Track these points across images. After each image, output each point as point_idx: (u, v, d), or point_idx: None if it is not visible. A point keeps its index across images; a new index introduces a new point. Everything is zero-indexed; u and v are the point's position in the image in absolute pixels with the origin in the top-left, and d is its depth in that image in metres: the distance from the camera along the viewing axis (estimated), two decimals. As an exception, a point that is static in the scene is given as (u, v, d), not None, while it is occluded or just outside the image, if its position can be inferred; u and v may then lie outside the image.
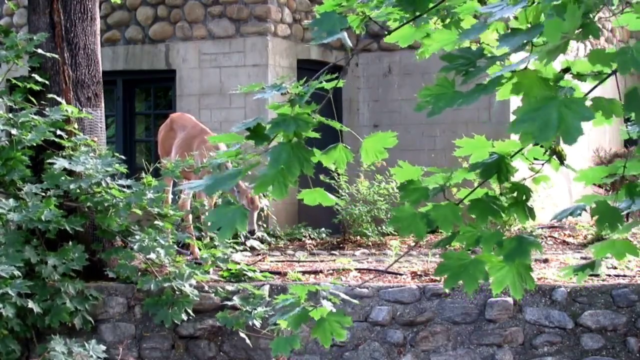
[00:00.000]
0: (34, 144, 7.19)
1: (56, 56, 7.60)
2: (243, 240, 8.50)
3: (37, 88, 7.51)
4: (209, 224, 7.42)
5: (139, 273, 7.30)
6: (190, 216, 8.21)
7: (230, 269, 7.53)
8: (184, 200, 8.25)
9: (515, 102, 2.40)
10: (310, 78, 2.66)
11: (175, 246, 7.66)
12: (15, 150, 7.16)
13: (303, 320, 2.79)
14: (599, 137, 13.47)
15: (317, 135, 2.66)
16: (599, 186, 10.52)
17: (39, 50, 7.54)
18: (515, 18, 2.71)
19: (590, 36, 2.29)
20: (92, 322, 7.13)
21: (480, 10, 2.72)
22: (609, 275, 7.32)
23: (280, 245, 9.80)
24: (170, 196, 8.56)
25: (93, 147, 7.52)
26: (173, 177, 7.71)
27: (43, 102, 7.53)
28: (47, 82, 7.63)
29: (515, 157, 2.68)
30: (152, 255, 7.13)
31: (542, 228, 10.33)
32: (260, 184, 2.54)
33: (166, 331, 7.22)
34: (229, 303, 7.04)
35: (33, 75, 7.57)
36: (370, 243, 9.78)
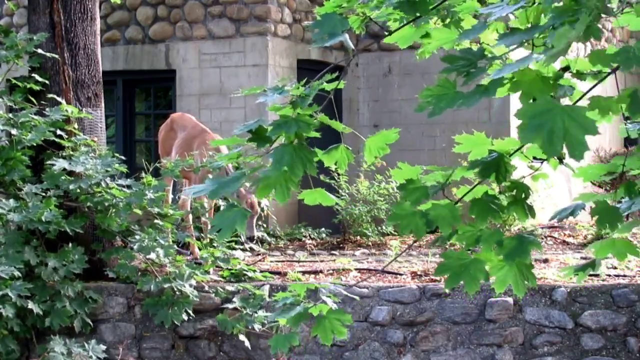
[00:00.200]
0: (34, 144, 7.19)
1: (56, 56, 7.60)
2: (243, 240, 8.50)
3: (37, 88, 7.51)
4: (210, 227, 7.34)
5: (139, 273, 7.30)
6: (190, 216, 8.21)
7: (230, 269, 7.53)
8: (184, 200, 8.25)
9: (516, 102, 2.41)
10: (310, 78, 2.67)
11: (175, 246, 7.66)
12: (15, 150, 7.16)
13: (303, 317, 2.79)
14: (598, 136, 13.42)
15: (317, 134, 2.66)
16: (599, 186, 10.52)
17: (39, 50, 7.54)
18: (516, 18, 2.71)
19: (591, 37, 2.29)
20: (91, 324, 7.13)
21: (480, 10, 2.72)
22: (609, 275, 7.32)
23: (280, 245, 9.79)
24: (171, 196, 8.56)
25: (93, 147, 7.52)
26: (173, 177, 7.71)
27: (43, 102, 7.53)
28: (47, 82, 7.63)
29: (514, 155, 2.68)
30: (152, 255, 7.13)
31: (542, 228, 10.34)
32: (263, 187, 2.55)
33: (166, 331, 7.22)
34: (230, 306, 7.02)
35: (33, 75, 7.57)
36: (370, 243, 9.78)
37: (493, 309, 6.97)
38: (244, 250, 8.44)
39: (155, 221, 7.40)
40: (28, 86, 7.48)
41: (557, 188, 10.70)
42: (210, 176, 7.65)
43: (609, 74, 2.48)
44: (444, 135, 11.32)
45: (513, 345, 6.94)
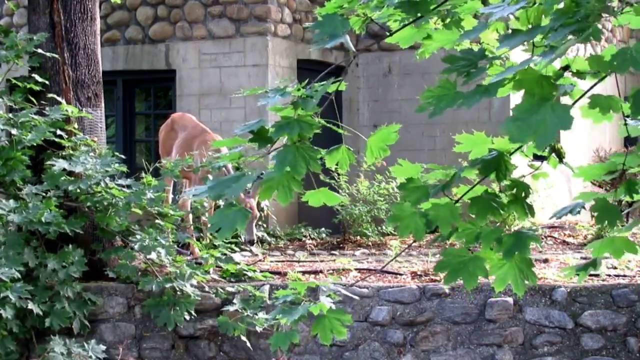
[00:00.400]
0: (34, 144, 7.19)
1: (56, 56, 7.60)
2: (243, 240, 8.50)
3: (37, 88, 7.51)
4: (209, 225, 7.34)
5: (139, 273, 7.30)
6: (191, 216, 8.21)
7: (230, 269, 7.53)
8: (184, 200, 8.25)
9: (516, 101, 2.41)
10: (310, 78, 2.67)
11: (175, 246, 7.66)
12: (15, 150, 7.16)
13: (303, 317, 2.79)
14: (599, 137, 13.47)
15: (317, 130, 2.66)
16: (599, 186, 10.52)
17: (39, 50, 7.54)
18: (517, 19, 2.71)
19: (591, 38, 2.29)
20: (89, 326, 7.12)
21: (481, 10, 2.72)
22: (609, 275, 7.32)
23: (280, 245, 9.79)
24: (171, 196, 8.57)
25: (93, 147, 7.52)
26: (173, 177, 7.71)
27: (43, 102, 7.53)
28: (47, 82, 7.62)
29: (514, 153, 2.68)
30: (153, 255, 7.13)
31: (542, 228, 10.34)
32: (266, 189, 2.55)
33: (166, 331, 7.22)
34: (231, 308, 7.02)
35: (33, 75, 7.57)
36: (370, 243, 9.78)
37: (493, 309, 6.97)
38: (242, 252, 8.43)
39: (156, 221, 7.40)
40: (28, 86, 7.48)
41: (557, 188, 10.70)
42: (211, 176, 7.66)
43: (609, 73, 2.49)
44: (444, 135, 11.32)
45: (513, 345, 6.94)
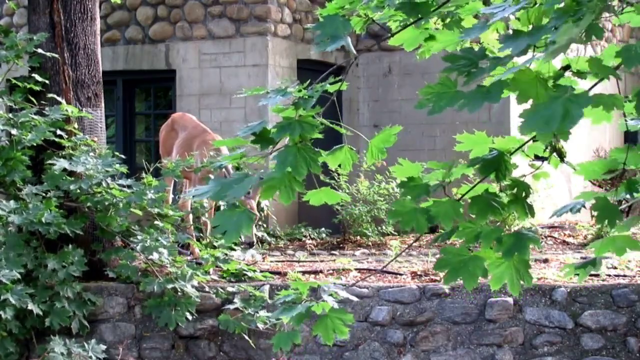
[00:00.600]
0: (34, 144, 7.19)
1: (56, 56, 7.60)
2: (243, 240, 8.50)
3: (37, 88, 7.51)
4: (211, 227, 7.32)
5: (139, 273, 7.29)
6: (191, 216, 8.21)
7: (231, 269, 7.53)
8: (184, 201, 8.25)
9: (516, 101, 2.40)
10: (310, 78, 2.67)
11: (176, 246, 7.66)
12: (15, 150, 7.16)
13: (305, 316, 2.79)
14: (599, 136, 13.47)
15: (320, 136, 2.66)
16: (599, 186, 10.53)
17: (39, 50, 7.54)
18: (517, 19, 2.71)
19: (593, 36, 2.29)
20: (88, 327, 7.12)
21: (482, 10, 2.72)
22: (609, 275, 7.32)
23: (280, 245, 9.79)
24: (171, 196, 8.57)
25: (93, 147, 7.52)
26: (173, 177, 7.72)
27: (43, 102, 7.53)
28: (47, 82, 7.62)
29: (514, 153, 2.68)
30: (154, 256, 7.13)
31: (542, 228, 10.34)
32: (267, 189, 2.55)
33: (166, 331, 7.22)
34: (231, 307, 7.03)
35: (33, 75, 7.57)
36: (370, 243, 9.78)
37: (493, 309, 6.98)
38: (243, 249, 8.43)
39: (156, 222, 7.40)
40: (28, 86, 7.48)
41: (557, 188, 10.70)
42: (212, 177, 7.66)
43: (609, 73, 2.49)
44: (444, 135, 11.32)
45: (513, 345, 6.94)
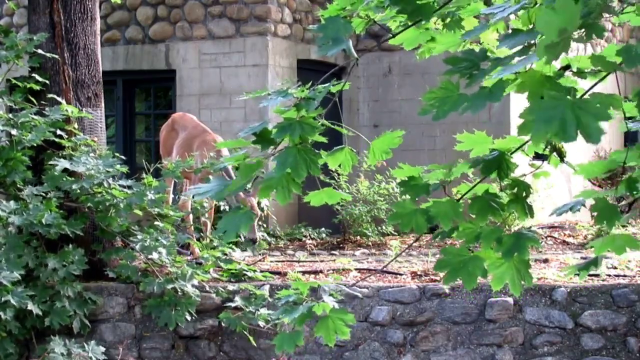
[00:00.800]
0: (34, 144, 7.19)
1: (56, 56, 7.60)
2: (243, 240, 8.50)
3: (37, 88, 7.51)
4: (211, 228, 7.31)
5: (139, 273, 7.30)
6: (191, 216, 8.21)
7: (231, 269, 7.53)
8: (184, 201, 8.25)
9: (516, 101, 2.41)
10: (310, 78, 2.68)
11: (176, 246, 7.66)
12: (16, 150, 7.16)
13: (307, 317, 2.80)
14: (598, 137, 13.44)
15: (324, 139, 2.67)
16: (599, 186, 10.52)
17: (39, 50, 7.54)
18: (518, 18, 2.71)
19: (594, 36, 2.29)
20: (89, 326, 7.12)
21: (482, 11, 2.73)
22: (609, 275, 7.32)
23: (280, 245, 9.80)
24: (171, 196, 8.57)
25: (93, 147, 7.52)
26: (173, 178, 7.72)
27: (43, 102, 7.53)
28: (47, 82, 7.62)
29: (515, 152, 2.69)
30: (154, 256, 7.13)
31: (542, 228, 10.34)
32: (264, 188, 2.56)
33: (166, 331, 7.22)
34: (232, 305, 7.03)
35: (33, 75, 7.57)
36: (370, 243, 9.78)
37: (493, 309, 6.98)
38: (243, 250, 8.43)
39: (156, 222, 7.40)
40: (28, 86, 7.48)
41: (557, 188, 10.70)
42: (212, 177, 7.66)
43: (609, 72, 2.49)
44: (444, 135, 11.33)
45: (513, 345, 6.94)
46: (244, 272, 7.51)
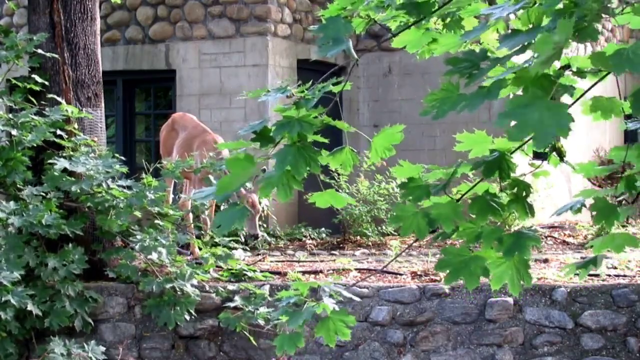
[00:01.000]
0: (34, 145, 7.19)
1: (56, 56, 7.60)
2: (243, 240, 8.50)
3: (37, 88, 7.51)
4: (211, 225, 7.31)
5: (139, 273, 7.30)
6: (191, 216, 8.21)
7: (231, 269, 7.53)
8: (184, 200, 8.25)
9: (515, 101, 2.41)
10: (310, 78, 2.67)
11: (176, 246, 7.66)
12: (16, 151, 7.16)
13: (308, 319, 2.80)
14: (599, 136, 13.47)
15: (325, 140, 2.67)
16: (599, 185, 10.53)
17: (39, 50, 7.54)
18: (518, 19, 2.71)
19: (588, 39, 2.30)
20: (92, 324, 7.13)
21: (482, 11, 2.73)
22: (609, 275, 7.32)
23: (280, 245, 9.79)
24: (171, 196, 8.57)
25: (93, 147, 7.52)
26: (173, 178, 7.72)
27: (43, 102, 7.53)
28: (47, 82, 7.62)
29: (515, 152, 2.69)
30: (153, 256, 7.13)
31: (542, 228, 10.34)
32: (265, 186, 2.56)
33: (166, 331, 7.23)
34: (231, 304, 7.03)
35: (33, 75, 7.57)
36: (370, 243, 9.78)
37: (493, 309, 6.98)
38: (244, 249, 8.43)
39: (156, 221, 7.40)
40: (28, 86, 7.48)
41: (557, 188, 10.70)
42: (212, 177, 7.67)
43: (609, 72, 2.49)
44: (444, 135, 11.32)
45: (513, 345, 6.94)
46: (244, 272, 7.52)
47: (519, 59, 2.46)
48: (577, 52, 12.34)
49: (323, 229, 10.12)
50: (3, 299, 6.47)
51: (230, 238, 7.89)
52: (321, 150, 2.64)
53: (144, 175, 7.44)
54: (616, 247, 2.84)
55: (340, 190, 9.76)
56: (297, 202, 10.57)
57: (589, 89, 2.51)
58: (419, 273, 7.64)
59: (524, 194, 2.71)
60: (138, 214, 7.27)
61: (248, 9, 10.84)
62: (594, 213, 2.75)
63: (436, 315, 7.06)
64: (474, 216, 2.68)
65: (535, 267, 7.77)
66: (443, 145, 11.37)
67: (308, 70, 11.13)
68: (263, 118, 2.74)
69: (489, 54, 2.52)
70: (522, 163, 2.99)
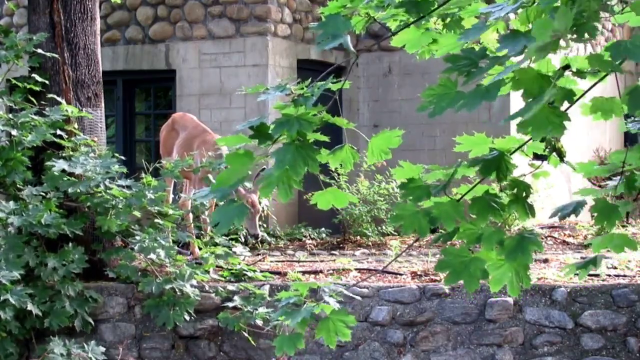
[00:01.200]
0: (34, 145, 7.18)
1: (56, 56, 7.60)
2: (242, 240, 8.50)
3: (37, 88, 7.51)
4: (209, 220, 7.30)
5: (139, 273, 7.30)
6: (191, 215, 8.21)
7: (231, 269, 7.53)
8: (184, 200, 8.25)
9: (516, 101, 2.41)
10: (310, 78, 2.67)
11: (175, 246, 7.65)
12: (15, 151, 7.16)
13: (309, 320, 2.79)
14: (599, 136, 13.47)
15: (326, 138, 2.66)
16: (599, 186, 10.51)
17: (39, 50, 7.54)
18: (517, 17, 2.71)
19: (586, 35, 2.29)
20: (92, 323, 7.13)
21: (481, 10, 2.73)
22: (609, 275, 7.32)
23: (280, 245, 9.79)
24: (171, 196, 8.57)
25: (93, 147, 7.52)
26: (173, 177, 7.71)
27: (43, 102, 7.52)
28: (47, 82, 7.62)
29: (514, 152, 2.68)
30: (153, 256, 7.13)
31: (542, 228, 10.34)
32: (266, 186, 2.55)
33: (166, 331, 7.22)
34: (230, 304, 7.03)
35: (33, 75, 7.57)
36: (370, 243, 9.77)
37: (493, 309, 6.97)
38: (245, 246, 8.42)
39: (156, 221, 7.40)
40: (28, 86, 7.48)
41: (557, 188, 10.70)
42: (211, 176, 7.66)
43: (608, 73, 2.49)
44: (444, 136, 11.32)
45: (513, 345, 6.94)
46: (244, 272, 7.51)
47: (517, 58, 2.46)
48: (577, 52, 12.34)
49: (323, 229, 10.12)
50: (2, 297, 6.47)
51: (230, 237, 7.88)
52: (321, 149, 2.63)
53: (143, 175, 7.44)
54: (615, 247, 2.84)
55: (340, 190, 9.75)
56: (297, 202, 10.56)
57: (589, 89, 2.51)
58: (419, 273, 7.64)
59: (524, 194, 2.71)
60: (137, 213, 7.26)
61: (248, 9, 10.84)
62: (594, 214, 2.75)
63: (436, 315, 7.05)
64: (474, 217, 2.68)
65: (535, 267, 7.77)
66: (443, 146, 11.36)
67: (308, 70, 11.12)
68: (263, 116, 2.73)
69: (488, 52, 2.52)
70: (522, 164, 2.98)
